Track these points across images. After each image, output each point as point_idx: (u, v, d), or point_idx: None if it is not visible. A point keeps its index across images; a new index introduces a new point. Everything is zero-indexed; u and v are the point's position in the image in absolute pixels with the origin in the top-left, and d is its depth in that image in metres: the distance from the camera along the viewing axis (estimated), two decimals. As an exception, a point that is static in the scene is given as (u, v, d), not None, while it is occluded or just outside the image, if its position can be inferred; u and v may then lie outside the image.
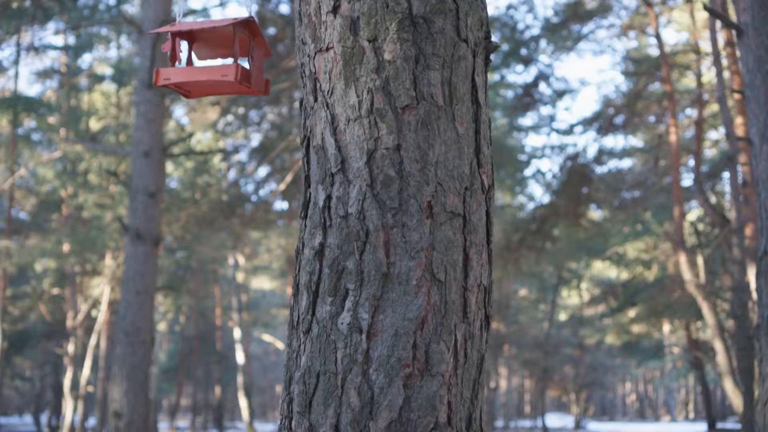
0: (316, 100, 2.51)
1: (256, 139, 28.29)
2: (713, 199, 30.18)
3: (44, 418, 52.93)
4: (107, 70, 29.29)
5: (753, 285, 16.17)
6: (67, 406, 22.06)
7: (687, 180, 31.83)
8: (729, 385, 21.87)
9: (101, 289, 23.68)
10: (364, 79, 2.40)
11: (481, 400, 2.46)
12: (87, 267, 27.88)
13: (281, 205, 29.89)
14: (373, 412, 2.25)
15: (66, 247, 25.43)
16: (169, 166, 28.33)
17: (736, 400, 21.60)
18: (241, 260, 42.98)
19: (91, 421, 39.49)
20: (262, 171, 28.59)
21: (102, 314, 23.48)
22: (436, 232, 2.34)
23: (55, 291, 31.47)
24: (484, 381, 2.49)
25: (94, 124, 27.04)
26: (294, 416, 2.37)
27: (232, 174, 31.55)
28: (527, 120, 34.54)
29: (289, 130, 24.60)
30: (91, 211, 24.15)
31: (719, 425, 47.52)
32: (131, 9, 26.64)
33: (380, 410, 2.24)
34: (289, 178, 24.29)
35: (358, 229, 2.33)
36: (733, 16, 19.39)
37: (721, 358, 22.65)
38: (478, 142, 2.49)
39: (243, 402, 43.10)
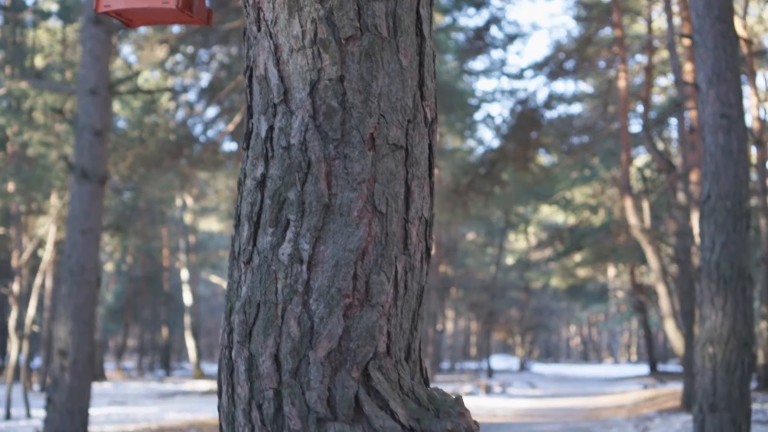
0: (259, 30, 2.49)
1: (205, 79, 27.99)
2: (660, 145, 30.48)
3: (-12, 357, 52.49)
4: (53, 6, 28.67)
5: (696, 230, 16.43)
6: (12, 345, 21.88)
7: (635, 126, 32.14)
8: (671, 328, 22.30)
9: (47, 228, 23.42)
10: (308, 9, 2.37)
11: (421, 331, 2.49)
12: (32, 206, 27.56)
13: (230, 146, 29.65)
14: (312, 341, 2.26)
15: (11, 186, 25.10)
16: (117, 105, 27.97)
17: (677, 342, 22.04)
18: (189, 201, 42.75)
19: (37, 361, 39.29)
20: (211, 111, 28.33)
21: (47, 254, 23.25)
22: (378, 164, 2.34)
23: (0, 230, 31.09)
24: (423, 312, 2.51)
25: (40, 61, 26.54)
26: (234, 346, 2.37)
27: (180, 114, 31.23)
28: (478, 64, 34.65)
29: (239, 71, 24.34)
30: (37, 149, 23.81)
31: (660, 367, 48.57)
32: (77, -57, 26.05)
33: (320, 340, 2.26)
34: (237, 118, 24.09)
35: (300, 160, 2.33)
36: (683, -38, 19.48)
37: (663, 301, 23.05)
38: (422, 75, 2.48)
39: (190, 343, 43.17)
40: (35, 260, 30.07)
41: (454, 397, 2.35)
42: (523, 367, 57.67)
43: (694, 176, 20.30)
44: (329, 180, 2.31)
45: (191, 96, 29.05)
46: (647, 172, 33.31)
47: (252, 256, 2.37)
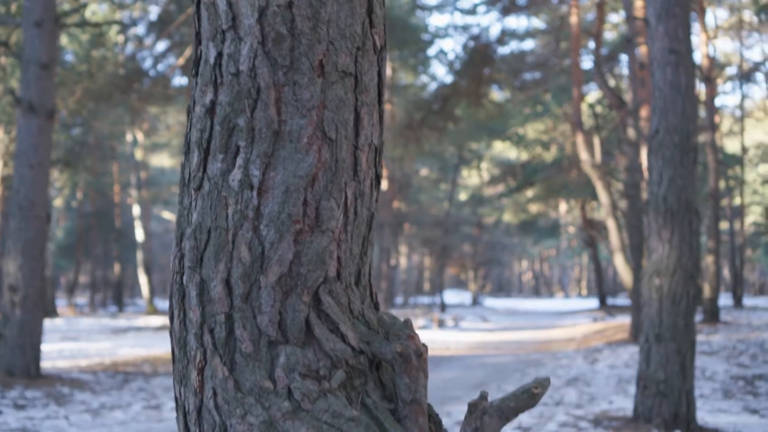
0: (207, -46, 2.46)
1: (154, 12, 27.55)
2: (611, 82, 30.62)
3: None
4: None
5: (645, 165, 16.61)
6: (-38, 282, 21.69)
7: (587, 62, 32.21)
8: (620, 262, 22.64)
9: (-6, 163, 23.12)
10: (256, -67, 2.35)
11: (370, 256, 2.52)
12: (-21, 141, 27.10)
13: (180, 80, 29.31)
14: (263, 266, 2.28)
15: (-44, 121, 24.66)
16: (64, 39, 27.43)
17: (626, 276, 22.40)
18: (140, 137, 42.29)
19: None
20: (161, 45, 27.92)
21: (-5, 189, 22.97)
22: (327, 90, 2.35)
23: (-54, 166, 30.57)
24: (373, 239, 2.54)
25: (-17, -7, 25.89)
26: (185, 271, 2.39)
27: (129, 48, 30.76)
28: (431, -1, 34.31)
29: (189, 4, 23.97)
30: (-18, 83, 23.36)
31: (610, 301, 49.34)
32: None
33: (270, 264, 2.28)
34: (188, 52, 23.79)
35: (249, 87, 2.32)
36: None
37: (613, 236, 23.37)
38: (371, 2, 2.48)
39: (143, 279, 43.03)
40: (-17, 196, 29.67)
41: (403, 320, 2.40)
42: (475, 302, 58.33)
43: (644, 112, 20.48)
44: (279, 106, 2.31)
45: (140, 29, 28.61)
46: (598, 109, 33.51)
47: (202, 182, 2.38)
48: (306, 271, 2.29)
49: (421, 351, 2.33)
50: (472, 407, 2.36)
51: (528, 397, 2.34)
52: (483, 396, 2.38)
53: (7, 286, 14.24)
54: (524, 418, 10.60)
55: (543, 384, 2.34)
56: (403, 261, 61.68)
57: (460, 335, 27.80)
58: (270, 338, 2.27)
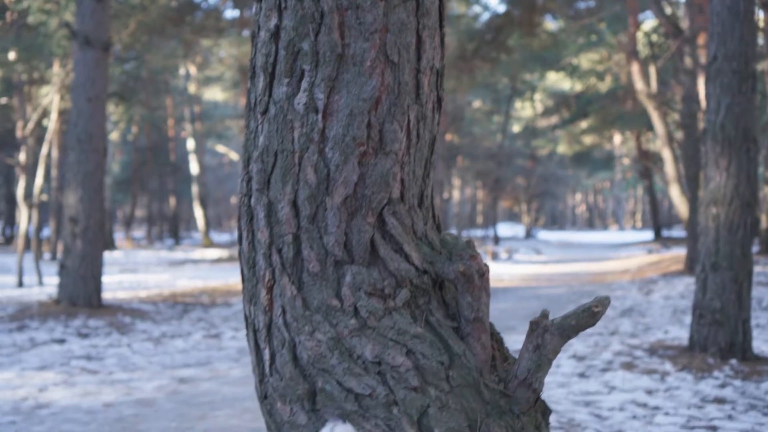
0: None
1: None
2: (667, 9, 30.01)
3: (-2, 228, 53.06)
4: None
5: (702, 94, 16.35)
6: (22, 215, 22.09)
7: (643, -11, 31.53)
8: (675, 193, 22.43)
9: (50, 97, 23.34)
10: None
11: (432, 179, 2.56)
12: (35, 75, 27.39)
13: (232, 12, 29.30)
14: (329, 188, 2.33)
15: (12, 55, 24.90)
16: (117, -28, 27.48)
17: (681, 207, 22.20)
18: (193, 70, 42.45)
19: (46, 232, 39.75)
20: (213, -23, 27.86)
21: (52, 123, 23.20)
22: (389, 14, 2.37)
23: (3, 101, 31.01)
24: (435, 161, 2.58)
25: (37, -73, 25.97)
26: (253, 194, 2.45)
27: (181, -20, 30.69)
28: (484, -74, 33.79)
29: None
30: (37, 17, 23.53)
31: (665, 233, 48.97)
32: None
33: (336, 186, 2.33)
34: (240, -16, 23.73)
35: (313, 11, 2.35)
36: None
37: (669, 166, 23.12)
38: (432, -75, 2.48)
39: (198, 212, 43.51)
40: (40, 130, 30.12)
41: (465, 240, 2.44)
42: (528, 234, 58.26)
43: (701, 40, 20.10)
44: (342, 30, 2.34)
45: (192, -39, 28.51)
46: (654, 37, 32.91)
47: (268, 106, 2.43)
48: (370, 193, 2.34)
49: (483, 270, 2.38)
50: (534, 325, 2.41)
51: (588, 315, 2.38)
52: (544, 314, 2.43)
53: (67, 218, 14.52)
54: (579, 347, 10.66)
55: (603, 303, 2.38)
56: (456, 194, 61.62)
57: (513, 267, 27.85)
58: (336, 258, 2.33)
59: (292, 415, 2.35)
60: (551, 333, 2.38)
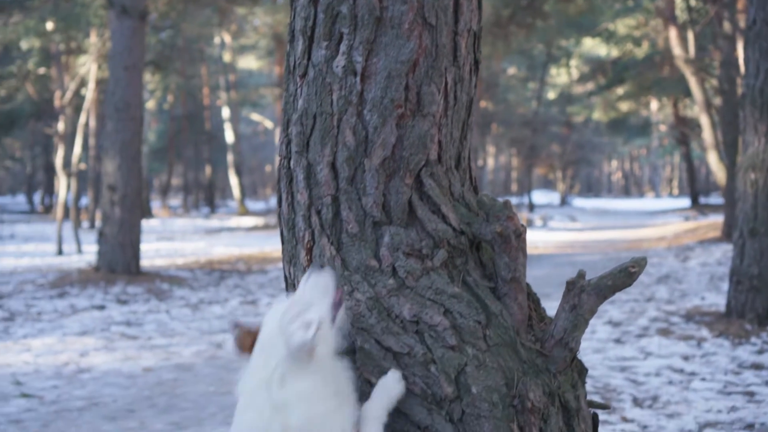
0: None
1: None
2: (707, -27, 29.60)
3: (37, 198, 53.71)
4: None
5: (741, 59, 16.17)
6: (60, 184, 22.31)
7: (681, -47, 31.10)
8: (714, 159, 22.23)
9: (88, 67, 23.49)
10: None
11: (470, 141, 2.58)
12: (72, 45, 27.57)
13: (267, -20, 29.24)
14: (367, 150, 2.36)
15: (50, 25, 25.06)
16: (152, -60, 27.50)
17: (719, 173, 22.01)
18: (228, 39, 42.49)
19: (84, 201, 40.12)
20: (248, -56, 27.81)
21: (90, 92, 23.38)
22: (427, -24, 2.38)
23: (41, 71, 31.22)
24: (472, 123, 2.59)
25: None
26: (292, 156, 2.48)
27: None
28: None
29: None
30: (74, -13, 23.66)
31: (702, 200, 48.59)
32: None
33: (374, 148, 2.36)
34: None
35: (351, -26, 2.37)
36: None
37: (707, 132, 22.89)
38: None
39: (234, 181, 43.68)
40: (78, 99, 30.29)
41: (502, 201, 2.46)
42: (564, 202, 58.01)
43: (740, 4, 19.82)
44: (380, -7, 2.36)
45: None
46: (692, 2, 32.49)
47: (307, 69, 2.45)
48: (408, 155, 2.37)
49: (520, 231, 2.40)
50: (570, 286, 2.43)
51: (625, 275, 2.40)
52: (581, 275, 2.45)
53: (106, 185, 14.66)
54: (615, 313, 10.66)
55: (640, 263, 2.39)
56: (490, 161, 61.40)
57: (548, 235, 27.78)
58: (374, 219, 2.36)
59: (331, 373, 2.39)
60: (588, 293, 2.40)
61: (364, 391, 2.33)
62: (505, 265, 2.40)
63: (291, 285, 2.55)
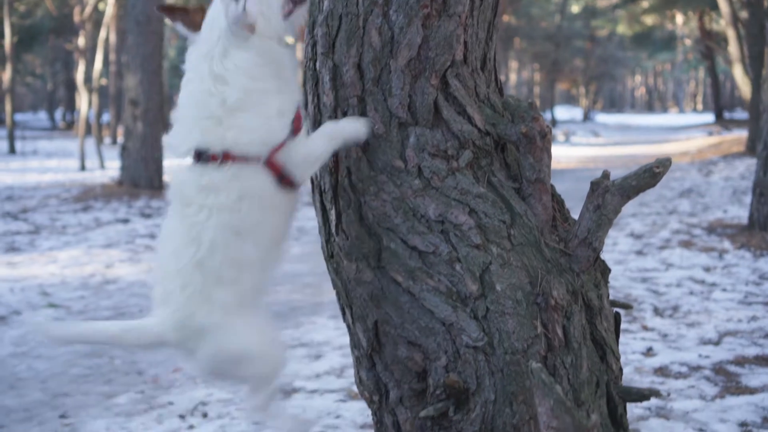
0: None
1: None
2: None
3: (59, 114, 53.81)
4: None
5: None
6: (82, 100, 22.32)
7: None
8: (739, 73, 21.97)
9: (107, -19, 23.35)
10: None
11: (495, 42, 2.57)
12: (91, -41, 27.34)
13: None
14: (393, 50, 2.36)
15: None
16: None
17: (744, 87, 21.79)
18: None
19: (105, 117, 40.12)
20: None
21: (109, 7, 23.24)
22: None
23: (60, -15, 31.03)
24: (498, 24, 2.58)
25: None
26: (318, 57, 2.49)
27: None
28: None
29: None
30: None
31: (726, 115, 48.15)
32: None
33: (400, 49, 2.35)
34: None
35: None
36: None
37: (732, 46, 22.60)
38: None
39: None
40: (98, 14, 30.14)
41: (528, 102, 2.46)
42: (586, 117, 57.62)
43: None
44: None
45: None
46: None
47: (332, -31, 2.44)
48: (434, 55, 2.36)
49: (545, 131, 2.41)
50: (594, 186, 2.44)
51: (649, 176, 2.41)
52: (605, 175, 2.46)
53: (127, 100, 14.68)
54: (637, 226, 10.68)
55: (664, 164, 2.40)
56: (513, 77, 60.88)
57: (570, 150, 27.68)
58: (400, 120, 2.38)
59: (358, 272, 2.43)
60: (612, 193, 2.42)
61: (388, 288, 2.37)
62: (530, 166, 2.41)
63: (317, 187, 2.57)
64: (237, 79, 2.22)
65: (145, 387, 5.89)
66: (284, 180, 2.25)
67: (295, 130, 2.26)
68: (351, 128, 2.32)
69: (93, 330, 2.45)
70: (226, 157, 2.21)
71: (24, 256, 10.43)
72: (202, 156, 2.26)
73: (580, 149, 28.09)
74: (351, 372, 5.75)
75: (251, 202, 2.22)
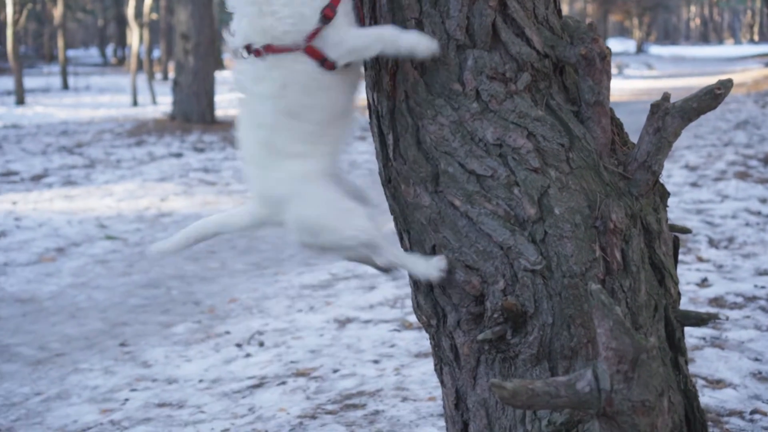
0: None
1: None
2: None
3: (110, 50, 54.13)
4: None
5: None
6: (132, 35, 22.40)
7: None
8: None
9: None
10: None
11: (554, -38, 2.53)
12: None
13: None
14: (450, -28, 2.33)
15: None
16: None
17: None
18: None
19: (156, 52, 40.26)
20: None
21: (159, -58, 23.25)
22: None
23: None
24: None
25: None
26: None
27: None
28: None
29: None
30: None
31: (783, 46, 47.09)
32: None
33: (457, -30, 2.33)
34: None
35: None
36: None
37: (791, -26, 22.06)
38: None
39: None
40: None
41: (587, 23, 2.43)
42: (640, 50, 56.73)
43: None
44: None
45: None
46: None
47: None
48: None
49: (605, 53, 2.37)
50: (654, 108, 2.41)
51: (710, 97, 2.37)
52: (665, 97, 2.43)
53: (178, 34, 14.72)
54: (691, 158, 10.57)
55: (726, 85, 2.36)
56: (565, 8, 59.96)
57: (624, 83, 27.32)
58: (458, 42, 2.35)
59: (415, 196, 2.43)
60: (672, 115, 2.39)
61: (446, 212, 2.37)
62: (589, 88, 2.39)
63: (374, 112, 2.57)
64: None
65: (202, 317, 6.01)
66: (327, 63, 2.33)
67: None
68: (411, 38, 2.32)
69: (199, 228, 2.62)
70: (267, 48, 2.32)
71: (80, 190, 10.60)
72: (249, 48, 2.37)
73: (634, 82, 27.72)
74: (405, 303, 5.80)
75: (295, 88, 2.35)
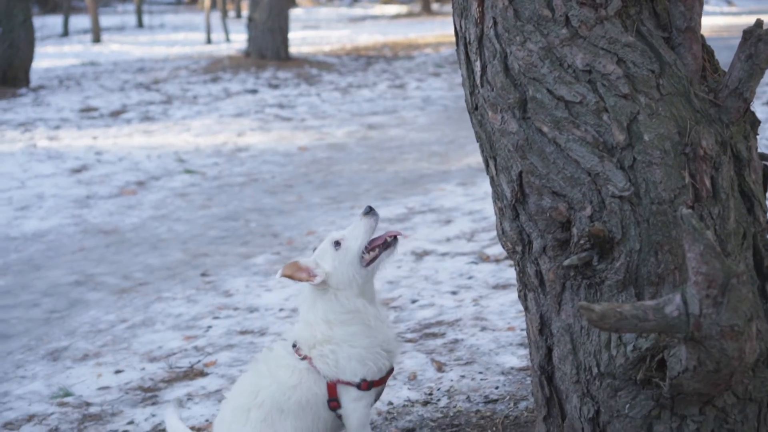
0: None
1: None
2: None
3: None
4: None
5: None
6: (208, -28, 22.54)
7: None
8: None
9: None
10: None
11: None
12: None
13: None
14: None
15: None
16: None
17: None
18: None
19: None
20: None
21: None
22: None
23: None
24: None
25: None
26: None
27: None
28: None
29: None
30: None
31: None
32: None
33: None
34: None
35: None
36: None
37: None
38: None
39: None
40: None
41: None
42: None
43: None
44: None
45: None
46: None
47: None
48: None
49: None
50: (747, 34, 2.38)
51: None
52: (758, 23, 2.39)
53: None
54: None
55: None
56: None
57: (703, 20, 26.62)
58: (548, -33, 2.34)
59: (503, 123, 2.44)
60: (765, 41, 2.35)
61: (534, 139, 2.38)
62: (681, 14, 2.36)
63: (462, 38, 2.57)
64: (319, 325, 2.84)
65: (280, 248, 6.11)
66: (333, 403, 2.82)
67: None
68: None
69: None
70: (305, 358, 2.82)
71: (158, 125, 10.76)
72: (295, 345, 2.87)
73: (712, 18, 27.01)
74: (481, 237, 5.83)
75: (300, 398, 2.79)
